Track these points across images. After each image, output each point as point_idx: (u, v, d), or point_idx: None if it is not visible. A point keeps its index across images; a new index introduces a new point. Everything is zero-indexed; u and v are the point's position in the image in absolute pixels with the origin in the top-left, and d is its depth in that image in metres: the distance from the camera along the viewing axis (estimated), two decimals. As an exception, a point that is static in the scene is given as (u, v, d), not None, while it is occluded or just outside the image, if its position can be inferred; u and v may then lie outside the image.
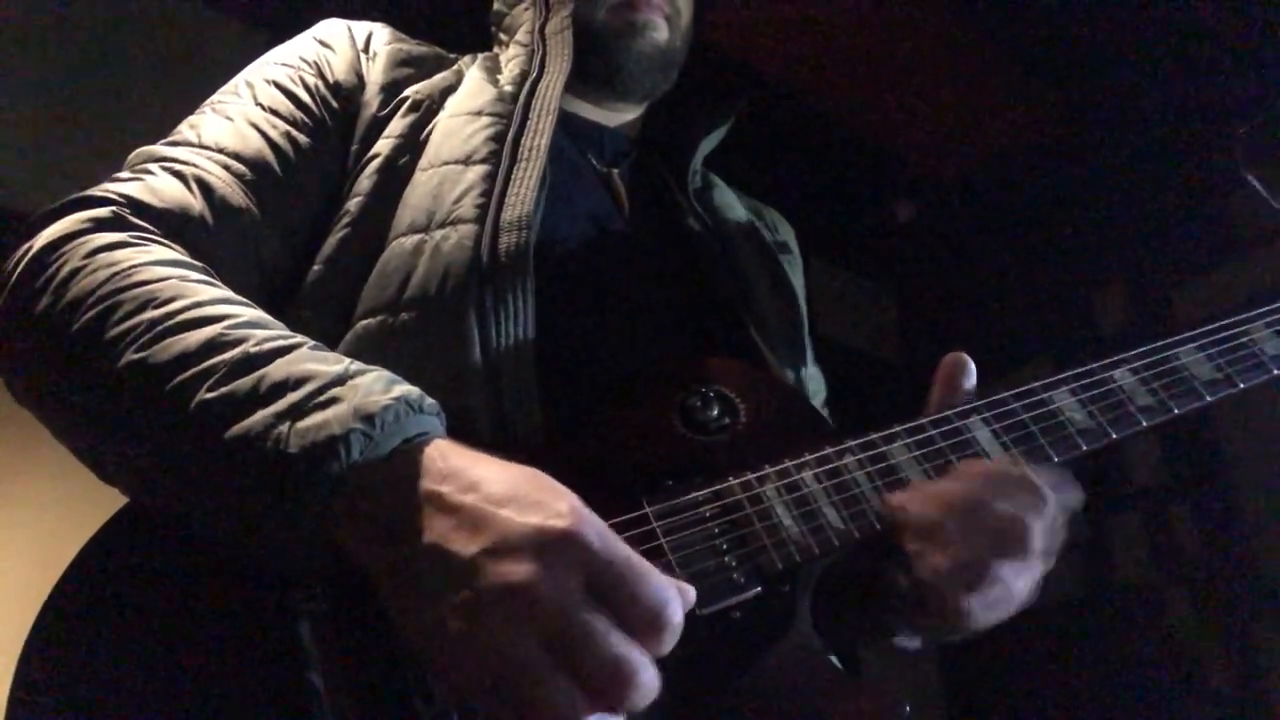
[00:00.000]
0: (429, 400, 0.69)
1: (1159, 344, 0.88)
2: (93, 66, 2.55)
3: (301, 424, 0.63)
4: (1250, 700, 3.02)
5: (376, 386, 0.66)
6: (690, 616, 0.65)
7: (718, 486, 0.76)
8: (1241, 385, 0.87)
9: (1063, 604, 3.52)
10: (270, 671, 0.64)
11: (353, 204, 0.93)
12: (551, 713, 0.55)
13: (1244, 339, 0.90)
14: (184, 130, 0.94)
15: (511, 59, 1.10)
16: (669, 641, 0.59)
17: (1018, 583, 0.76)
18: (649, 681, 0.57)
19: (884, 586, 0.88)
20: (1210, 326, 0.90)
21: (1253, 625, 3.07)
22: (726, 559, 0.73)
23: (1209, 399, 0.86)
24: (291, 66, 1.00)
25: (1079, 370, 0.86)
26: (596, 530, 0.60)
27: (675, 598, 0.60)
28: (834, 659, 0.92)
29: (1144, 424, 0.84)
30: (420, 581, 0.59)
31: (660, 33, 1.11)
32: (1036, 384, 0.85)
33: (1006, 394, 0.85)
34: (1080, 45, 3.26)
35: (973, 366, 0.87)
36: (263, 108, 0.96)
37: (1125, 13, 3.06)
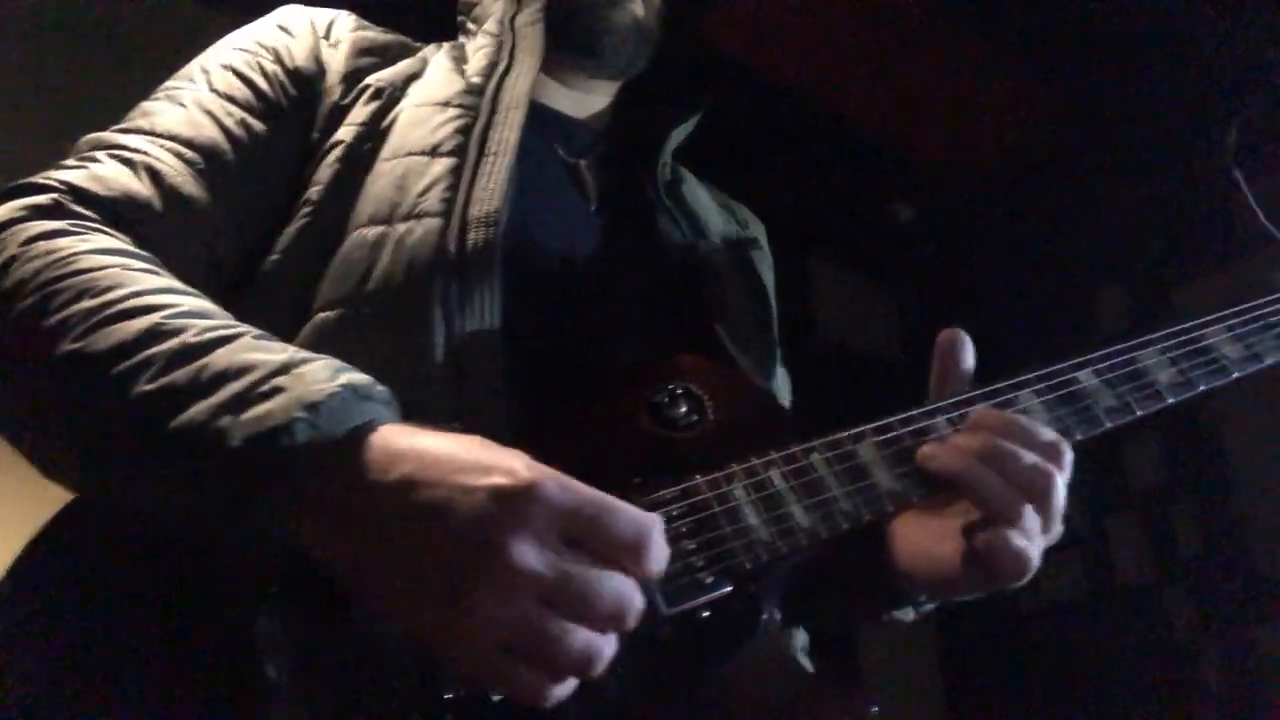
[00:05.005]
0: (379, 387, 0.66)
1: (1120, 346, 0.89)
2: (87, 64, 2.55)
3: (244, 415, 0.61)
4: (1250, 700, 3.01)
5: (322, 374, 0.64)
6: (657, 618, 0.65)
7: (685, 485, 0.75)
8: (1202, 388, 0.88)
9: (1063, 604, 3.51)
10: (225, 665, 0.64)
11: (313, 193, 0.91)
12: (581, 655, 0.57)
13: (1203, 343, 0.90)
14: (136, 117, 0.91)
15: (479, 49, 1.07)
16: (658, 558, 0.61)
17: (1037, 541, 0.79)
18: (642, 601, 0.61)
19: (878, 564, 0.89)
20: (1171, 330, 0.90)
21: (1252, 625, 3.07)
22: (694, 559, 0.72)
23: (1170, 401, 0.86)
24: (249, 52, 0.97)
25: (1044, 371, 0.86)
26: (554, 480, 0.60)
27: (651, 519, 0.62)
28: (802, 659, 0.92)
29: (1107, 425, 0.84)
30: (395, 575, 0.59)
31: (637, 6, 1.09)
32: (1002, 384, 0.85)
33: (974, 393, 0.84)
34: (1081, 46, 3.25)
35: (969, 342, 0.87)
36: (218, 94, 0.93)
37: (1126, 13, 3.06)
